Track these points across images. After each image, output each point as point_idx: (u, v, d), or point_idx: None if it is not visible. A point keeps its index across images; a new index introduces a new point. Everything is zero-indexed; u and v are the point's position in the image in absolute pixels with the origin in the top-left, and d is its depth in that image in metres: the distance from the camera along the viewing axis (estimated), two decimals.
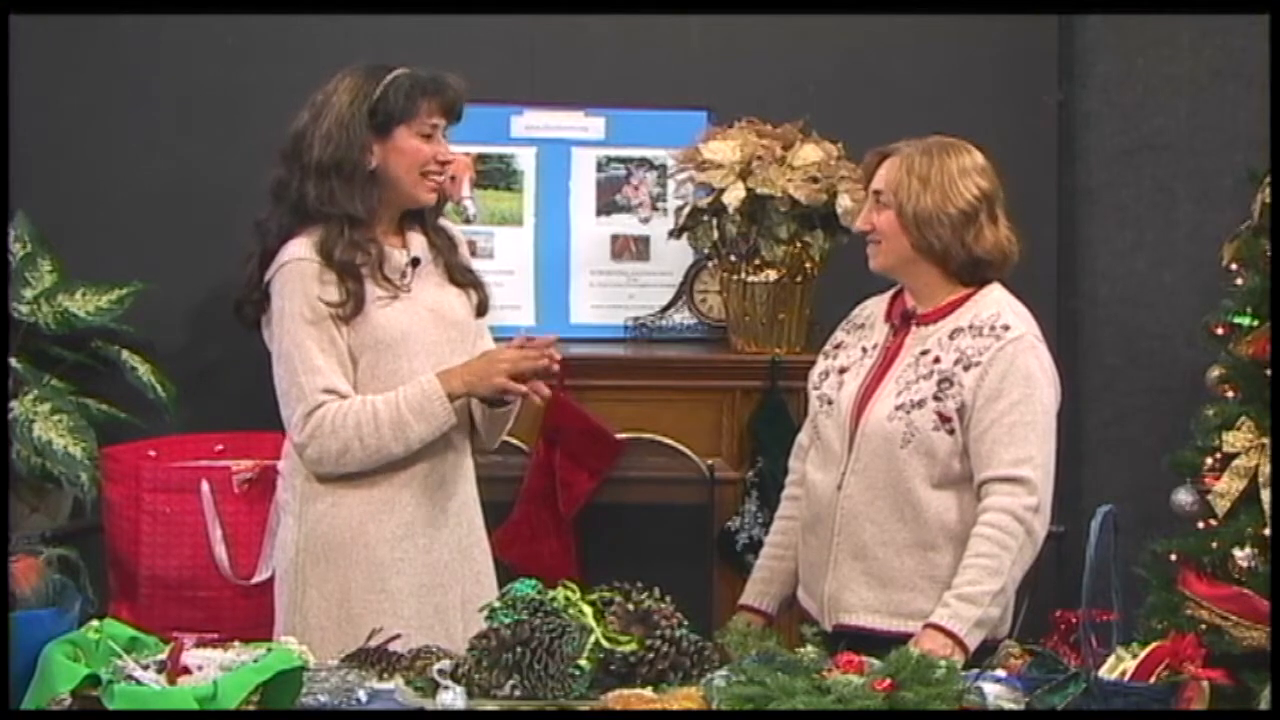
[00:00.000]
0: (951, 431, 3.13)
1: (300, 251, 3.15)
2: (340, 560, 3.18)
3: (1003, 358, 3.13)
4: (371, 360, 3.16)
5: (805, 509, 3.31)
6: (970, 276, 3.22)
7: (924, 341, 3.21)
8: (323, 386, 3.12)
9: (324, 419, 3.12)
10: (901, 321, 3.27)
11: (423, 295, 3.23)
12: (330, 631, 3.13)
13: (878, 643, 2.96)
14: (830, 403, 3.27)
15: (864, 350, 3.29)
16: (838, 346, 3.36)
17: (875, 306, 3.36)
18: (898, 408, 3.16)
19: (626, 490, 4.18)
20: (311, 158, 3.16)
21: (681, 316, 4.39)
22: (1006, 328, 3.16)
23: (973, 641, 3.04)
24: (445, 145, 3.22)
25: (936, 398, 3.14)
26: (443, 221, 3.35)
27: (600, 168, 4.43)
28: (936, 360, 3.17)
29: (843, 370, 3.29)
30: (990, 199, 3.21)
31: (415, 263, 3.23)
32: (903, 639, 3.03)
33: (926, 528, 3.15)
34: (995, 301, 3.22)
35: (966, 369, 3.14)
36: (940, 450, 3.13)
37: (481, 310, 3.34)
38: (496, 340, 3.35)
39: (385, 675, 2.83)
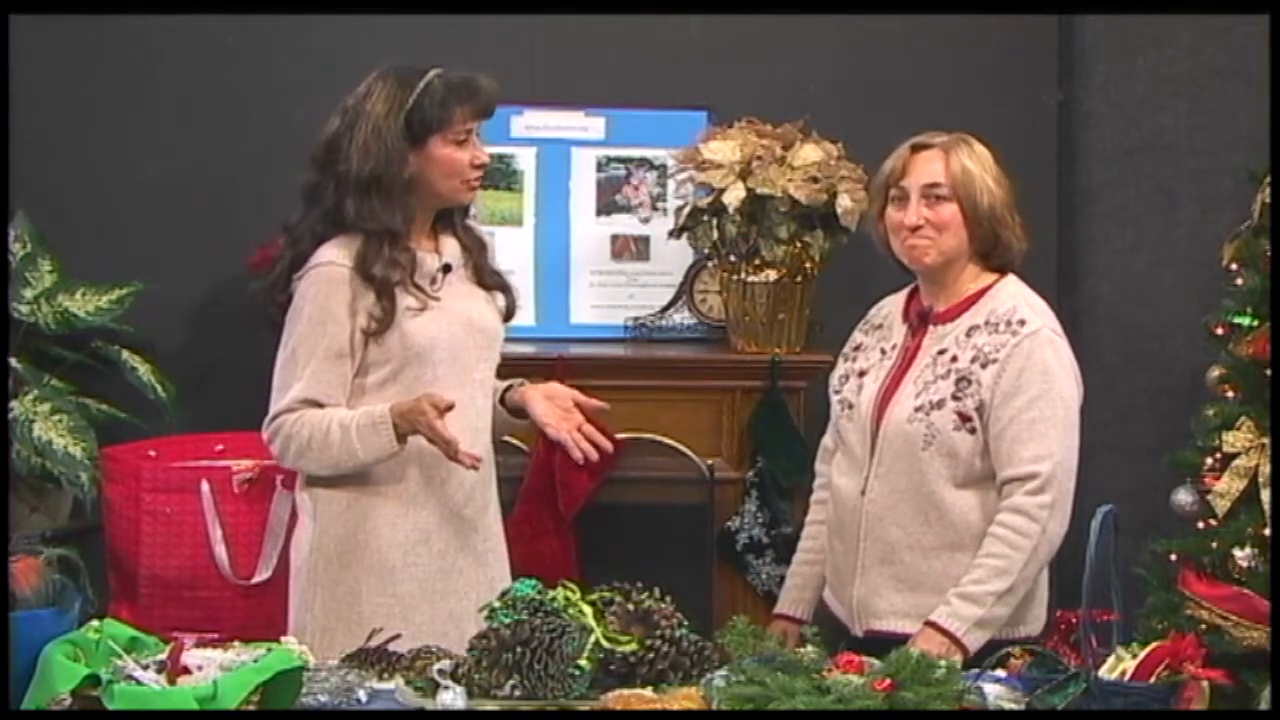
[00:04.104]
0: (973, 431, 3.12)
1: (333, 256, 3.14)
2: (352, 562, 3.19)
3: (1019, 354, 3.11)
4: (396, 368, 3.16)
5: (831, 514, 3.30)
6: (998, 267, 3.22)
7: (941, 340, 3.19)
8: (299, 396, 3.12)
9: (283, 425, 3.14)
10: (919, 321, 3.25)
11: (452, 303, 3.21)
12: (339, 633, 3.13)
13: None
14: (851, 406, 3.25)
15: (883, 352, 3.27)
16: (857, 349, 3.34)
17: (892, 306, 3.34)
18: (917, 409, 3.14)
19: (626, 490, 4.17)
20: (350, 169, 3.13)
21: (681, 316, 4.38)
22: (1023, 322, 3.14)
23: (972, 641, 3.03)
24: (479, 148, 3.19)
25: (955, 397, 3.12)
26: (470, 221, 3.33)
27: (600, 168, 4.43)
28: (954, 359, 3.16)
29: (862, 373, 3.27)
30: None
31: (446, 269, 3.22)
32: None
33: (953, 528, 3.14)
34: (1011, 296, 3.20)
35: (984, 366, 3.12)
36: (962, 450, 3.12)
37: (508, 314, 3.34)
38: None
39: (385, 675, 2.83)
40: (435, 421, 3.05)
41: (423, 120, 3.13)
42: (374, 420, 3.10)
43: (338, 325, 3.12)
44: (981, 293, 3.21)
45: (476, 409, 3.24)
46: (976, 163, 3.18)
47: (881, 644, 3.03)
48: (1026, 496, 3.07)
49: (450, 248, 3.25)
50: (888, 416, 3.18)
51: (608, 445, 3.20)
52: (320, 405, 3.13)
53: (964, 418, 3.11)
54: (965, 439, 3.12)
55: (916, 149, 3.22)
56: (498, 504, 3.35)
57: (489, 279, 3.30)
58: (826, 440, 3.41)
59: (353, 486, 3.19)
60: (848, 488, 3.23)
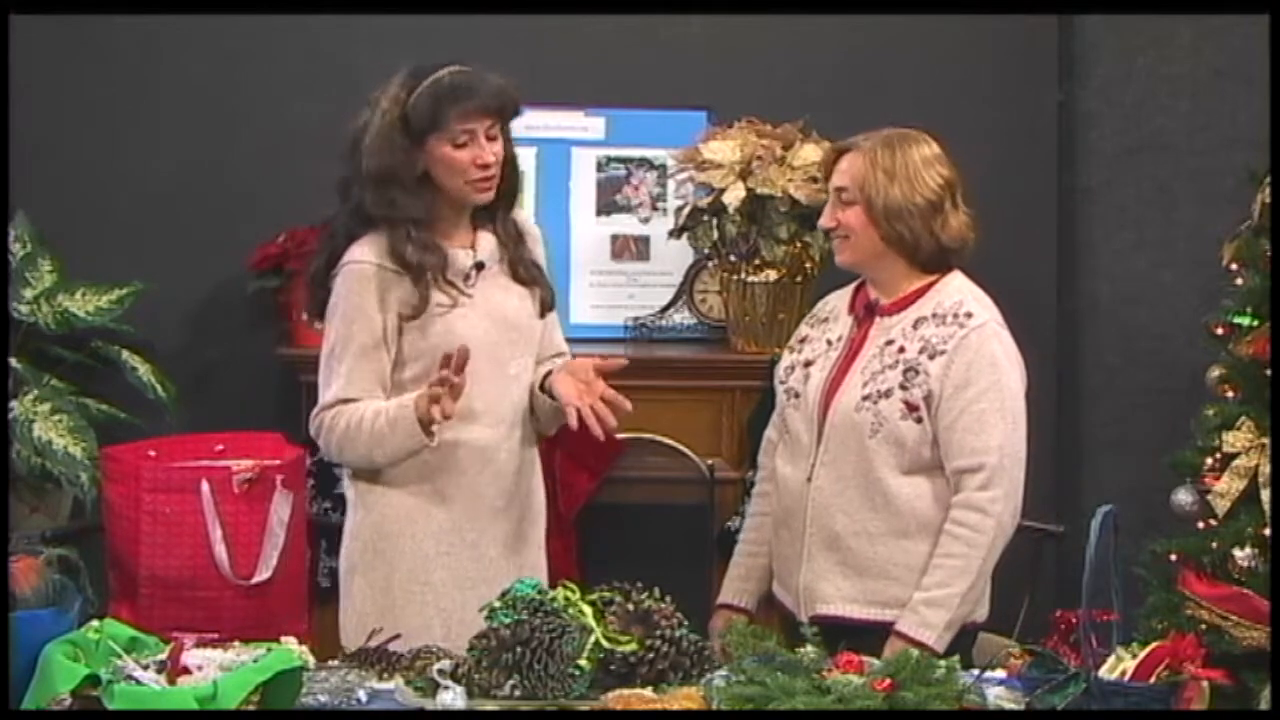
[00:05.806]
0: (919, 420, 3.16)
1: (360, 254, 3.18)
2: (388, 550, 3.24)
3: (967, 346, 3.16)
4: (427, 365, 3.17)
5: (776, 503, 3.34)
6: (936, 264, 3.25)
7: (888, 332, 3.24)
8: (338, 396, 3.19)
9: (324, 422, 3.21)
10: (865, 313, 3.29)
11: (483, 300, 3.23)
12: (371, 618, 3.17)
13: (855, 632, 3.02)
14: (797, 396, 3.30)
15: (828, 343, 3.31)
16: (802, 340, 3.38)
17: (837, 300, 3.39)
18: (865, 398, 3.19)
19: (626, 490, 4.18)
20: (366, 164, 3.17)
21: (681, 316, 4.38)
22: (970, 315, 3.19)
23: (943, 645, 3.09)
24: (484, 149, 3.17)
25: (903, 387, 3.17)
26: (516, 214, 3.34)
27: (600, 168, 4.43)
28: (901, 350, 3.20)
29: (808, 363, 3.31)
30: (953, 187, 3.25)
31: (480, 266, 3.24)
32: (880, 626, 3.11)
33: (899, 515, 3.18)
34: (958, 289, 3.25)
35: (932, 358, 3.17)
36: (909, 439, 3.16)
37: (545, 309, 3.34)
38: None
39: (385, 675, 2.83)
40: (427, 412, 3.08)
41: (418, 121, 3.15)
42: (402, 409, 3.14)
43: (369, 320, 3.16)
44: (928, 287, 3.25)
45: (511, 403, 3.27)
46: (886, 162, 3.21)
47: (827, 629, 3.05)
48: (978, 492, 3.12)
49: (486, 244, 3.27)
50: (835, 405, 3.22)
51: (612, 421, 3.16)
52: (358, 401, 3.18)
53: (911, 407, 3.16)
54: (912, 428, 3.16)
55: (841, 151, 3.29)
56: (540, 494, 3.38)
57: (524, 273, 3.31)
58: (770, 433, 3.44)
59: (392, 478, 3.23)
60: (794, 475, 3.27)
